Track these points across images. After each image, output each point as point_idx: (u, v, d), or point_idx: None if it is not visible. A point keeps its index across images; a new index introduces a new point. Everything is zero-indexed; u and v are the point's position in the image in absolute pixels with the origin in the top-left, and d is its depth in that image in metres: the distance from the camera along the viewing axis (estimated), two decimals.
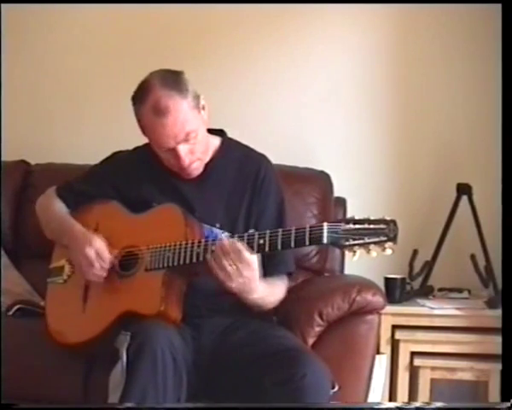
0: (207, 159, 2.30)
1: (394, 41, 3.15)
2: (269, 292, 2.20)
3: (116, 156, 2.41)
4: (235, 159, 2.33)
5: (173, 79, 2.19)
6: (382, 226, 1.94)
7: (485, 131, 3.08)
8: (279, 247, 2.03)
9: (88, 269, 2.20)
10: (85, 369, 2.27)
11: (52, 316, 2.31)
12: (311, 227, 2.00)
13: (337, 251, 2.87)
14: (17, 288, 2.81)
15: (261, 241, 2.04)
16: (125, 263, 2.22)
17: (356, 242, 1.94)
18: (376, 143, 3.18)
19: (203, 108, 2.24)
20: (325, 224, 1.98)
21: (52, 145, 3.22)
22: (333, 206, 2.93)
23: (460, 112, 3.14)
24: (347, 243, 1.95)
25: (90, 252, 2.19)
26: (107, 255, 2.20)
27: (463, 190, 2.96)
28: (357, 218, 1.96)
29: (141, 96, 2.19)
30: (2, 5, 3.07)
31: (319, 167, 2.98)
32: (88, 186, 2.38)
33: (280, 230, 2.04)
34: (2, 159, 3.03)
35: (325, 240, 1.97)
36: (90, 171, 2.44)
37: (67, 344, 2.25)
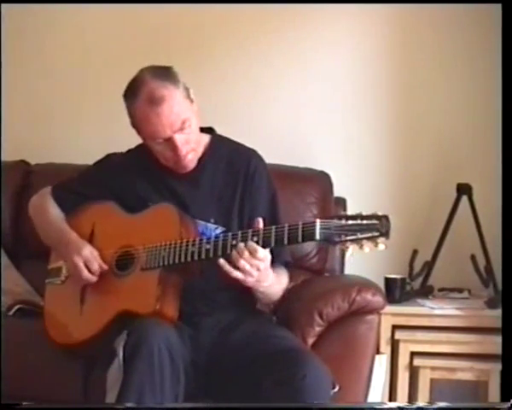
0: (199, 155, 2.30)
1: (394, 41, 3.15)
2: (276, 280, 2.20)
3: (110, 159, 2.42)
4: (225, 154, 2.34)
5: (164, 72, 2.21)
6: (374, 222, 1.94)
7: (485, 131, 3.08)
8: (272, 244, 2.03)
9: (77, 275, 2.23)
10: (85, 369, 2.27)
11: (50, 317, 2.32)
12: (303, 224, 2.00)
13: (337, 251, 2.87)
14: (17, 288, 2.82)
15: (255, 238, 2.04)
16: (122, 263, 2.22)
17: (348, 238, 1.94)
18: (376, 143, 3.18)
19: (192, 101, 2.25)
20: (318, 220, 1.98)
21: (52, 145, 3.22)
22: (333, 206, 2.93)
23: (460, 112, 3.14)
24: (340, 239, 1.95)
25: (78, 260, 2.21)
26: (95, 265, 2.21)
27: (463, 190, 2.96)
28: (349, 214, 1.97)
29: (133, 90, 2.20)
30: (2, 5, 3.07)
31: (319, 167, 2.98)
32: (84, 188, 2.38)
33: (273, 227, 2.04)
34: (2, 159, 3.03)
35: (318, 236, 1.96)
36: (86, 173, 2.44)
37: (65, 345, 2.25)
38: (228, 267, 2.06)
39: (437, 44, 3.13)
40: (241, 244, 2.05)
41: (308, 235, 1.99)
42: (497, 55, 2.73)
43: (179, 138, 2.18)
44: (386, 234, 1.93)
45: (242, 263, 2.04)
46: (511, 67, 2.52)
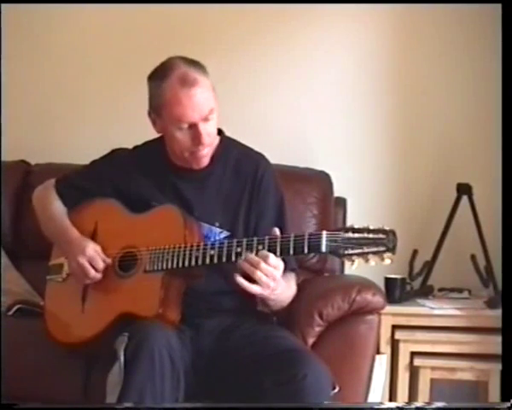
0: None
1: (394, 41, 3.15)
2: (286, 285, 2.18)
3: (116, 154, 2.40)
4: (233, 158, 2.32)
5: (194, 62, 2.21)
6: (381, 236, 1.93)
7: (485, 131, 3.08)
8: (278, 254, 2.02)
9: (82, 277, 2.22)
10: (85, 369, 2.27)
11: (51, 314, 2.31)
12: (309, 235, 1.99)
13: None
14: (17, 288, 2.82)
15: (260, 247, 2.03)
16: (124, 264, 2.22)
17: (355, 251, 1.94)
18: (376, 143, 3.18)
19: (216, 97, 2.24)
20: (324, 232, 1.97)
21: (52, 145, 3.22)
22: (333, 206, 2.93)
23: (460, 112, 3.14)
24: (346, 253, 1.94)
25: (83, 260, 2.20)
26: (101, 263, 2.21)
27: (463, 190, 2.96)
28: (356, 226, 1.95)
29: (162, 72, 2.19)
30: (2, 5, 3.07)
31: (319, 167, 2.98)
32: (88, 183, 2.36)
33: (279, 236, 2.03)
34: (2, 159, 3.03)
35: (324, 249, 1.96)
36: (90, 167, 2.41)
37: (65, 343, 2.25)
38: (247, 285, 2.03)
39: (437, 45, 3.13)
40: (253, 255, 2.02)
41: (314, 246, 1.98)
42: (497, 55, 2.74)
43: (203, 128, 2.16)
44: (392, 249, 1.92)
45: (259, 275, 2.02)
46: (511, 67, 2.52)
